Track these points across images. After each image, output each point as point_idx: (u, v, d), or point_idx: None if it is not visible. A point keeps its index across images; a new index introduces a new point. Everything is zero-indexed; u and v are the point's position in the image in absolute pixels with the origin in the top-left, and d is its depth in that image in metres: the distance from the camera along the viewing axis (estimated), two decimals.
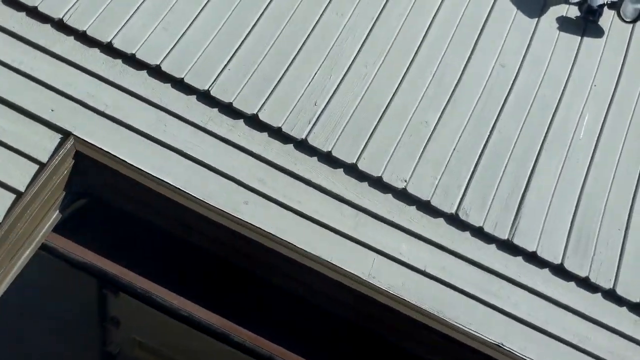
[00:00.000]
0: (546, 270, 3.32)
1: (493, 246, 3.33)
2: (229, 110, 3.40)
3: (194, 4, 3.64)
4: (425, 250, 3.26)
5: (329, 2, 3.82)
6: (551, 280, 3.30)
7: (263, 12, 3.70)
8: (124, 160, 3.16)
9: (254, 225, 3.11)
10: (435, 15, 3.94)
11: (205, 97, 3.40)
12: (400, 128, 3.53)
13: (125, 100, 3.32)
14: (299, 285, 3.24)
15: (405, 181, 3.38)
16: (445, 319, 3.13)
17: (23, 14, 3.45)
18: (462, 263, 3.27)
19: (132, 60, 3.41)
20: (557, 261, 3.31)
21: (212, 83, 3.41)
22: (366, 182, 3.37)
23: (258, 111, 3.40)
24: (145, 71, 3.40)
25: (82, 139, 3.16)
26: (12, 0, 3.45)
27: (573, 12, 4.14)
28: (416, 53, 3.78)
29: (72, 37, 3.43)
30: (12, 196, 3.00)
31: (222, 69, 3.46)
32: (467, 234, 3.34)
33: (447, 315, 3.15)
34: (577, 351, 3.20)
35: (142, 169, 3.15)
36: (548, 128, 3.72)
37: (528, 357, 3.14)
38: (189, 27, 3.56)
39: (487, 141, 3.60)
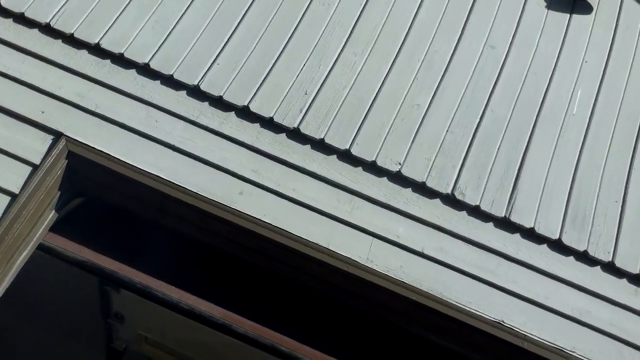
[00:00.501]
0: (544, 246, 3.32)
1: (490, 224, 3.33)
2: (219, 103, 3.41)
3: (181, 0, 3.65)
4: (423, 232, 3.26)
5: None
6: (550, 256, 3.30)
7: (250, 6, 3.70)
8: (116, 158, 3.18)
9: (249, 215, 3.13)
10: (422, 0, 3.94)
11: (195, 92, 3.42)
12: (392, 112, 3.53)
13: (116, 98, 3.35)
14: (296, 271, 3.24)
15: (400, 164, 3.38)
16: (445, 299, 3.14)
17: (10, 20, 3.48)
18: (460, 243, 3.27)
19: (120, 60, 3.43)
20: (555, 236, 3.31)
21: (202, 78, 3.43)
22: (360, 167, 3.38)
23: (249, 103, 3.41)
24: (134, 70, 3.42)
25: (74, 139, 3.19)
26: None
27: None
28: (405, 39, 3.77)
29: (60, 40, 3.45)
30: (7, 198, 3.04)
31: (211, 64, 3.47)
32: (464, 213, 3.34)
33: (447, 296, 3.16)
34: (578, 325, 3.20)
35: (135, 165, 3.18)
36: (541, 105, 3.70)
37: (529, 333, 3.14)
38: (176, 24, 3.57)
39: (480, 121, 3.59)
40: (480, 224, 3.33)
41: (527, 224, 3.32)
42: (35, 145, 3.17)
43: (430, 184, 3.36)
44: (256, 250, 3.23)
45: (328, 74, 3.58)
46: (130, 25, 3.51)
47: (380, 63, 3.67)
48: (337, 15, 3.79)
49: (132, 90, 3.37)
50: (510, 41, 3.89)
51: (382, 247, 3.19)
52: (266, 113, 3.40)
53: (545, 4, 4.06)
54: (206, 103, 3.41)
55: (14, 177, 3.08)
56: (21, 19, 3.47)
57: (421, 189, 3.37)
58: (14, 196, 3.03)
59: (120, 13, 3.54)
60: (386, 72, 3.64)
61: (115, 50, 3.42)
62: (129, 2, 3.58)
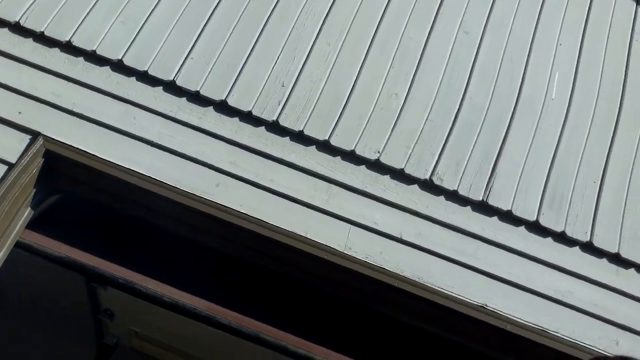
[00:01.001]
0: (522, 228, 3.34)
1: (468, 208, 3.35)
2: (197, 98, 3.42)
3: None
4: (400, 218, 3.28)
5: None
6: (528, 238, 3.32)
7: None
8: (94, 155, 3.19)
9: (225, 206, 3.14)
10: None
11: (172, 88, 3.42)
12: (370, 102, 3.54)
13: (92, 96, 3.35)
14: (275, 261, 3.25)
15: (379, 152, 3.39)
16: (426, 284, 3.15)
17: None
18: (438, 227, 3.29)
19: (93, 57, 3.43)
20: (532, 218, 3.33)
21: (177, 73, 3.43)
22: (339, 157, 3.39)
23: (226, 97, 3.42)
24: (109, 67, 3.43)
25: (51, 138, 3.20)
26: None
27: None
28: (377, 28, 3.76)
29: (30, 39, 3.45)
30: None
31: (185, 58, 3.48)
32: (442, 198, 3.36)
33: (428, 280, 3.17)
34: (561, 306, 3.22)
35: (112, 161, 3.18)
36: (519, 91, 3.71)
37: (513, 316, 3.15)
38: (147, 19, 3.56)
39: (459, 108, 3.60)
40: (458, 209, 3.34)
41: (505, 206, 3.33)
42: (12, 145, 3.17)
43: (408, 170, 3.37)
44: (234, 241, 3.24)
45: (303, 65, 3.58)
46: (101, 21, 3.50)
47: (354, 52, 3.67)
48: (309, 4, 3.78)
49: (108, 88, 3.37)
50: (484, 25, 3.87)
51: (360, 234, 3.21)
52: (244, 107, 3.41)
53: None
54: (184, 99, 3.42)
55: None
56: None
57: (400, 175, 3.38)
58: None
59: (90, 10, 3.52)
60: (361, 61, 3.64)
61: (87, 47, 3.42)
62: None
